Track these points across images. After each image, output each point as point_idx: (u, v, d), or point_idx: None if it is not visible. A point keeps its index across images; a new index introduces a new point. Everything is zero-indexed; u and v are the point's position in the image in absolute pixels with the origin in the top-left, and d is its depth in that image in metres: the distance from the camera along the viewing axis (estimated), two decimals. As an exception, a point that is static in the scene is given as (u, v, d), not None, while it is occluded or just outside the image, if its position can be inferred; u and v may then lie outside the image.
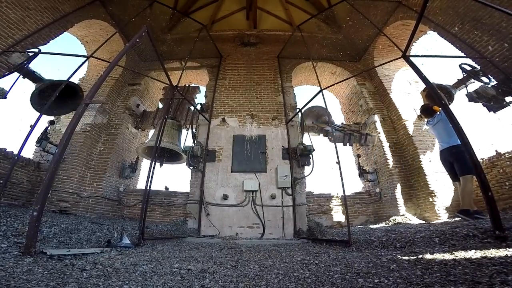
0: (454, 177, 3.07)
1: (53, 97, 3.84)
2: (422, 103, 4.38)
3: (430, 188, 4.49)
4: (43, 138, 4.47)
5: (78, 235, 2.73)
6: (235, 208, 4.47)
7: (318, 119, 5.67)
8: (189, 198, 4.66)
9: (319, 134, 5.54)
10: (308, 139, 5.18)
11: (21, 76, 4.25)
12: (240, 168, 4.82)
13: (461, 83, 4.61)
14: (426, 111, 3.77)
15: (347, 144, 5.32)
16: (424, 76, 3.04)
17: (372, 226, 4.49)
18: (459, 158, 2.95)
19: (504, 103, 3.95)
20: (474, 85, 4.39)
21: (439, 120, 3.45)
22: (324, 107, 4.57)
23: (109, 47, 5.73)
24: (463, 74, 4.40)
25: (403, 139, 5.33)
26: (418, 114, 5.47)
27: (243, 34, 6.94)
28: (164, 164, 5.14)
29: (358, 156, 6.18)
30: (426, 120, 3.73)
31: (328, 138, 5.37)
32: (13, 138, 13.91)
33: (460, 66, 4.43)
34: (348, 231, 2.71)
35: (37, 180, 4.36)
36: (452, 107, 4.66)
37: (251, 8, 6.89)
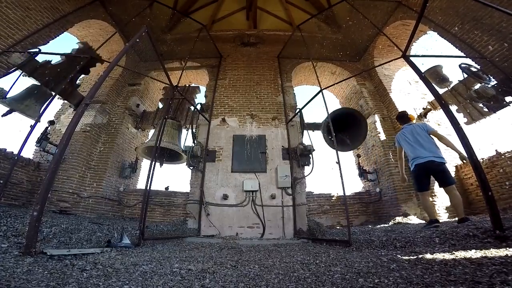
0: (424, 187, 3.23)
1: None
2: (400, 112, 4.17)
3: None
4: (43, 138, 4.47)
5: (78, 235, 2.73)
6: (235, 208, 4.47)
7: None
8: (189, 198, 4.66)
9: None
10: (308, 138, 5.12)
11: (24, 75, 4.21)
12: (240, 168, 4.82)
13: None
14: (403, 118, 3.80)
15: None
16: (424, 76, 3.05)
17: (372, 226, 4.49)
18: (446, 170, 3.09)
19: (504, 103, 3.95)
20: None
21: (421, 129, 3.36)
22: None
23: (109, 47, 5.74)
24: (463, 74, 4.41)
25: (403, 139, 5.32)
26: (418, 114, 5.47)
27: (243, 34, 6.94)
28: (164, 164, 5.13)
29: (358, 156, 6.19)
30: (403, 125, 3.65)
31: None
32: (13, 138, 13.89)
33: (460, 66, 4.43)
34: (348, 231, 2.71)
35: (37, 180, 4.36)
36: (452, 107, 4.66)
37: (251, 8, 6.90)
